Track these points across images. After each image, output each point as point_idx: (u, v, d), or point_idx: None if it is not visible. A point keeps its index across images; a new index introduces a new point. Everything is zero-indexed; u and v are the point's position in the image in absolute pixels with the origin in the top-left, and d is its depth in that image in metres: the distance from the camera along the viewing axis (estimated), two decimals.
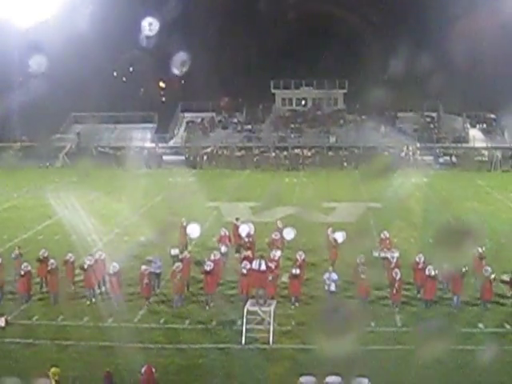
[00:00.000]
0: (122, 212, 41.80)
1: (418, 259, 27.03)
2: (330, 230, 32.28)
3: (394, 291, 25.81)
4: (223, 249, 30.27)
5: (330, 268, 27.25)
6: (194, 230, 32.88)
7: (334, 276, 26.40)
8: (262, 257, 25.79)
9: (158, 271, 28.06)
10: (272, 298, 25.04)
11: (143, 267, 26.67)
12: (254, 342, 22.40)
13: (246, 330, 22.64)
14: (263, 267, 24.92)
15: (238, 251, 31.60)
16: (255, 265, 25.05)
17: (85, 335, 23.24)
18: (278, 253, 29.59)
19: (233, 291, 27.36)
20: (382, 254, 29.66)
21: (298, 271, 26.72)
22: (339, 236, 31.47)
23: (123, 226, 38.31)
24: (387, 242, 31.03)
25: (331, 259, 30.38)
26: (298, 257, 28.24)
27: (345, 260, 29.54)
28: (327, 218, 39.60)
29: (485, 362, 20.85)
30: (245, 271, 25.91)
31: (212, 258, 27.79)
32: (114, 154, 65.23)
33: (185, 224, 33.28)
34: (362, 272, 26.08)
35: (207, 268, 26.42)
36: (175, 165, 63.49)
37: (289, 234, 32.54)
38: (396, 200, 45.40)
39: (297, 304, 26.34)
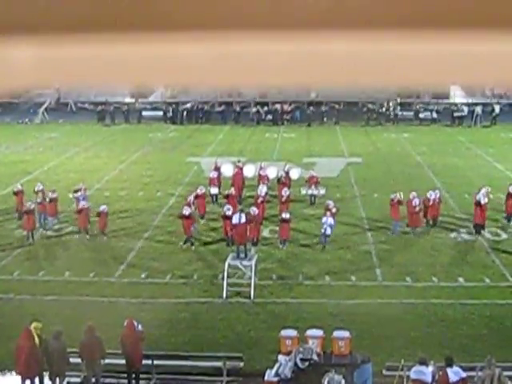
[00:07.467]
0: (102, 168, 41.62)
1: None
2: (287, 166, 34.35)
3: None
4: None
5: (328, 212, 27.37)
6: (249, 170, 34.73)
7: (331, 221, 26.93)
8: (241, 210, 25.88)
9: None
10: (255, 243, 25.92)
11: None
12: (235, 296, 22.53)
13: (227, 284, 22.75)
14: (243, 220, 24.98)
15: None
16: (235, 219, 25.07)
17: (66, 290, 23.26)
18: (265, 188, 30.82)
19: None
20: (309, 192, 32.33)
21: (287, 215, 27.15)
22: (295, 172, 34.11)
23: (104, 181, 38.15)
24: (314, 179, 32.84)
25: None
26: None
27: None
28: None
29: (462, 315, 21.14)
30: (229, 213, 26.49)
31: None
32: (94, 109, 64.49)
33: (241, 165, 34.50)
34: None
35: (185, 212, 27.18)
36: (155, 120, 62.91)
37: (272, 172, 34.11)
38: (376, 155, 45.51)
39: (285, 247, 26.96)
